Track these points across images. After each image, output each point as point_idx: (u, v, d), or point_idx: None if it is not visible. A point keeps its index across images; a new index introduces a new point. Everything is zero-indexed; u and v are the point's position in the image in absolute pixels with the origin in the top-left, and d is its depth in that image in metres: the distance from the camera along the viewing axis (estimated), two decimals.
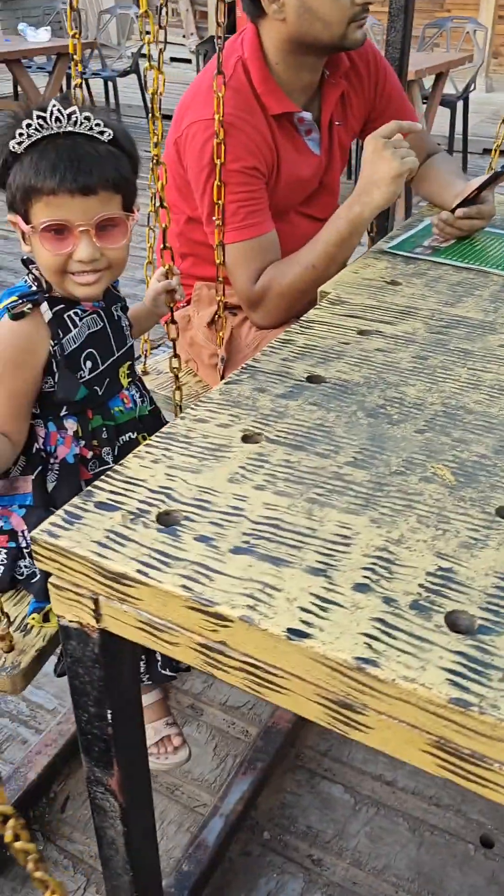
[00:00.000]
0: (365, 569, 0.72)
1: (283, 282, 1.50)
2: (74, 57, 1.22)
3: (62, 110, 1.02)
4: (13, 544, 1.17)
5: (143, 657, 1.29)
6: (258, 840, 1.42)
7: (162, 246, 1.33)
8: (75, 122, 1.03)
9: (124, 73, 6.19)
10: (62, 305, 1.12)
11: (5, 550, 1.17)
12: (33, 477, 1.15)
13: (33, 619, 1.13)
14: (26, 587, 1.18)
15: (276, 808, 1.47)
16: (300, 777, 1.52)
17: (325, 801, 1.48)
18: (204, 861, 1.32)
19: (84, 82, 6.29)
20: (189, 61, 8.71)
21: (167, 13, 1.44)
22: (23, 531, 1.17)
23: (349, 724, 0.66)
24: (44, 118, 1.01)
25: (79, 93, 1.24)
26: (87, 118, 1.03)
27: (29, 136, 1.02)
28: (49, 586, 0.79)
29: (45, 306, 1.10)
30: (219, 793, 1.46)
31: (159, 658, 1.25)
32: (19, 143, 1.02)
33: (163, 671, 1.25)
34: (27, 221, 1.05)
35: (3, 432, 1.10)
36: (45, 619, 1.13)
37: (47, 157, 1.01)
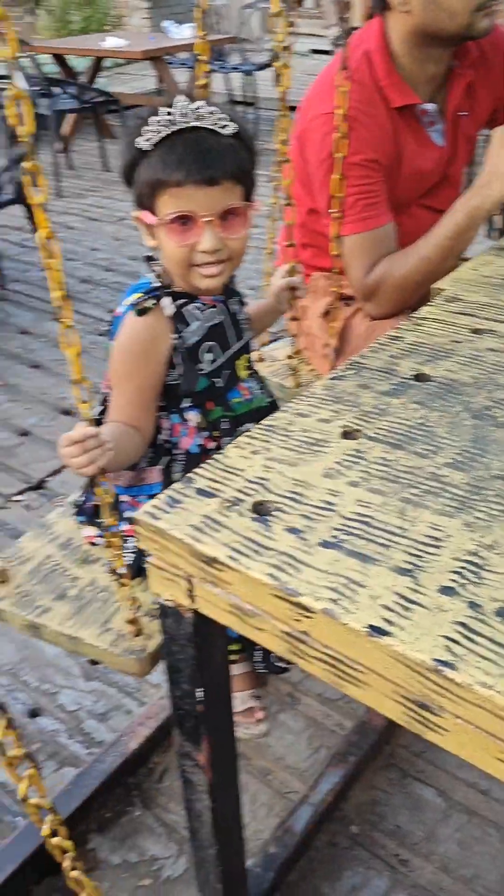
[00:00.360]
0: (453, 572, 0.71)
1: (397, 273, 1.49)
2: (200, 56, 1.26)
3: (188, 105, 1.06)
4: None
5: (257, 646, 1.33)
6: (346, 833, 1.43)
7: (287, 243, 1.35)
8: (200, 117, 1.06)
9: (262, 67, 6.24)
10: (183, 300, 1.17)
11: (134, 539, 1.23)
12: (161, 467, 1.20)
13: None
14: None
15: (366, 803, 1.48)
16: (393, 776, 1.52)
17: (416, 803, 1.47)
18: (290, 846, 1.34)
19: (224, 76, 6.39)
20: (329, 52, 8.65)
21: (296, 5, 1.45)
22: None
23: (426, 724, 0.66)
24: (171, 114, 1.05)
25: (200, 92, 1.28)
26: (212, 112, 1.07)
27: (157, 132, 1.06)
28: (149, 565, 0.83)
29: (166, 301, 1.15)
30: (310, 782, 1.48)
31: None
32: (147, 140, 1.07)
33: (276, 663, 1.28)
34: (154, 214, 1.10)
35: (134, 426, 1.15)
36: None
37: (174, 150, 1.05)
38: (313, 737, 1.60)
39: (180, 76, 6.50)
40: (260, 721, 1.51)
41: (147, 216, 1.11)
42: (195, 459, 1.21)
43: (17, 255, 4.25)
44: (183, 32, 5.87)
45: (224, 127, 1.08)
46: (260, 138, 6.15)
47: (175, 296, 1.16)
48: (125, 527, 1.23)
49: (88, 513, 1.30)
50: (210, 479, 0.85)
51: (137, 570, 1.23)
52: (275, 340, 1.98)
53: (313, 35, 9.58)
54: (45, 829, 0.73)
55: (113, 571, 1.17)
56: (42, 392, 2.96)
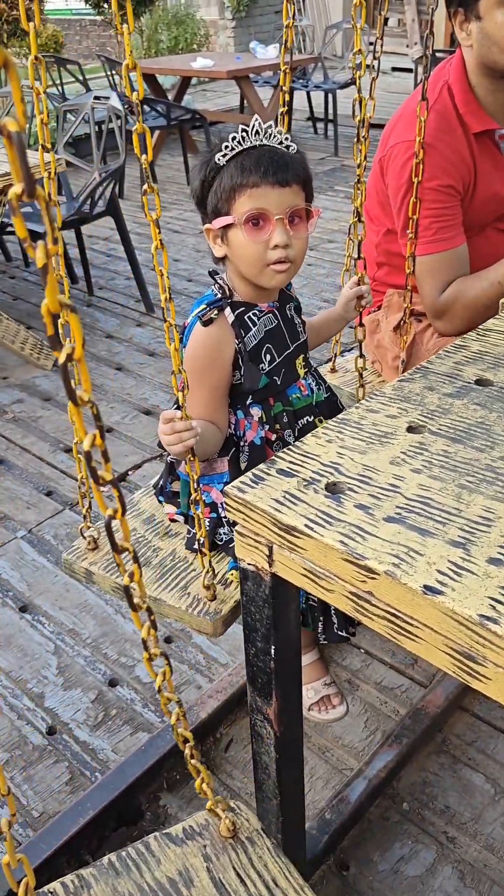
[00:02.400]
0: (501, 546, 0.82)
1: (468, 295, 1.59)
2: (283, 88, 1.41)
3: (262, 125, 1.23)
4: (214, 515, 1.38)
5: (320, 618, 1.46)
6: (397, 809, 1.53)
7: (356, 256, 1.48)
8: (270, 135, 1.23)
9: (344, 86, 6.39)
10: (242, 308, 1.31)
11: (208, 520, 1.37)
12: (228, 458, 1.34)
13: (232, 574, 1.33)
14: (225, 550, 1.38)
15: (417, 783, 1.57)
16: (444, 760, 1.61)
17: (466, 787, 1.55)
18: (345, 814, 1.45)
19: (306, 95, 6.54)
20: (410, 70, 8.74)
21: (380, 31, 1.58)
22: (222, 503, 1.37)
23: (471, 673, 0.77)
24: (247, 131, 1.22)
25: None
26: (279, 132, 1.24)
27: (233, 148, 1.22)
28: (235, 533, 0.96)
29: (228, 311, 1.30)
30: (365, 759, 1.58)
31: (335, 620, 1.41)
32: (224, 156, 1.22)
33: (339, 632, 1.41)
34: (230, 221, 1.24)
35: (212, 421, 1.30)
36: None
37: (250, 158, 1.21)
38: (370, 720, 1.70)
39: (264, 94, 6.70)
40: (336, 706, 1.67)
41: (222, 220, 1.24)
42: (258, 450, 1.34)
43: (104, 265, 4.49)
44: (268, 53, 6.06)
45: (289, 147, 1.24)
46: (339, 154, 6.29)
47: (236, 305, 1.31)
48: (199, 509, 1.38)
49: (168, 495, 1.46)
50: (290, 462, 0.98)
51: (211, 545, 1.37)
52: (347, 352, 2.10)
53: (395, 53, 9.69)
54: (172, 719, 0.88)
55: (193, 543, 1.32)
56: (125, 392, 3.14)
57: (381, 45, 1.64)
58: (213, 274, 1.35)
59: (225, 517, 1.37)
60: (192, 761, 0.91)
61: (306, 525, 0.87)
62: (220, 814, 0.94)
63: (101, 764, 1.67)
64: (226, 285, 1.32)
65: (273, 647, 1.02)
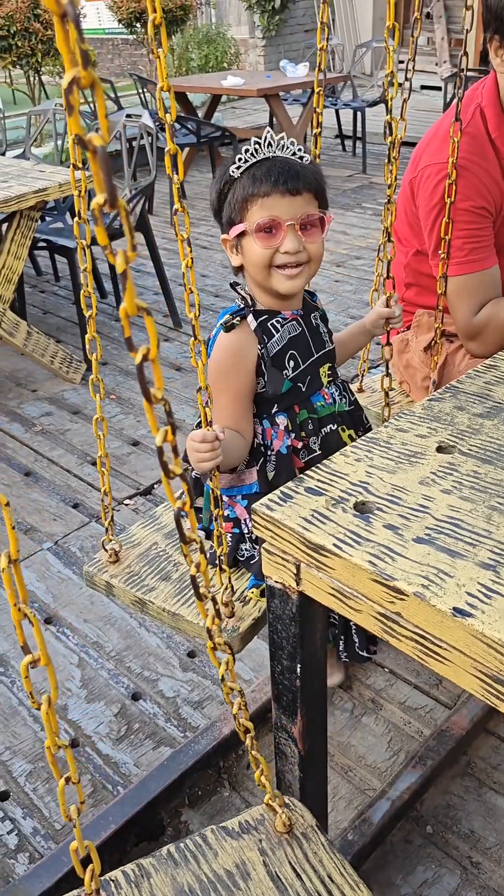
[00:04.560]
0: None
1: (502, 317, 1.59)
2: (316, 109, 1.42)
3: (274, 137, 1.26)
4: (237, 530, 1.38)
5: (342, 637, 1.45)
6: (420, 832, 1.51)
7: (386, 276, 1.49)
8: (282, 147, 1.26)
9: (373, 104, 6.42)
10: (265, 316, 1.33)
11: (230, 535, 1.38)
12: (257, 468, 1.34)
13: (252, 592, 1.34)
14: (246, 566, 1.38)
15: (441, 806, 1.55)
16: (468, 783, 1.59)
17: (491, 811, 1.53)
18: (367, 835, 1.44)
19: (335, 113, 6.59)
20: (439, 88, 8.76)
21: (412, 52, 1.60)
22: (245, 519, 1.38)
23: (499, 696, 0.77)
24: (259, 143, 1.25)
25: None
26: (292, 143, 1.27)
27: (246, 160, 1.25)
28: (262, 551, 0.97)
29: (251, 318, 1.32)
30: (388, 780, 1.57)
31: (357, 640, 1.40)
32: (238, 168, 1.25)
33: (360, 652, 1.40)
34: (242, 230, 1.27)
35: (236, 430, 1.31)
36: (262, 594, 1.33)
37: (262, 169, 1.24)
38: (393, 740, 1.69)
39: (293, 111, 6.76)
40: (336, 671, 1.70)
41: (236, 228, 1.27)
42: (285, 459, 1.35)
43: (132, 279, 4.53)
44: (298, 71, 6.11)
45: (302, 158, 1.27)
46: (367, 172, 6.32)
47: (258, 313, 1.33)
48: (222, 524, 1.39)
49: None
50: (318, 480, 0.99)
51: (233, 561, 1.38)
52: (374, 368, 2.10)
53: (424, 71, 9.72)
54: (234, 709, 0.89)
55: (212, 559, 1.33)
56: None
57: (413, 66, 1.65)
58: (234, 285, 1.36)
59: (248, 533, 1.38)
60: (253, 752, 0.92)
61: (335, 544, 0.87)
62: (276, 808, 0.95)
63: (124, 778, 1.67)
64: (247, 295, 1.34)
65: (299, 665, 1.02)
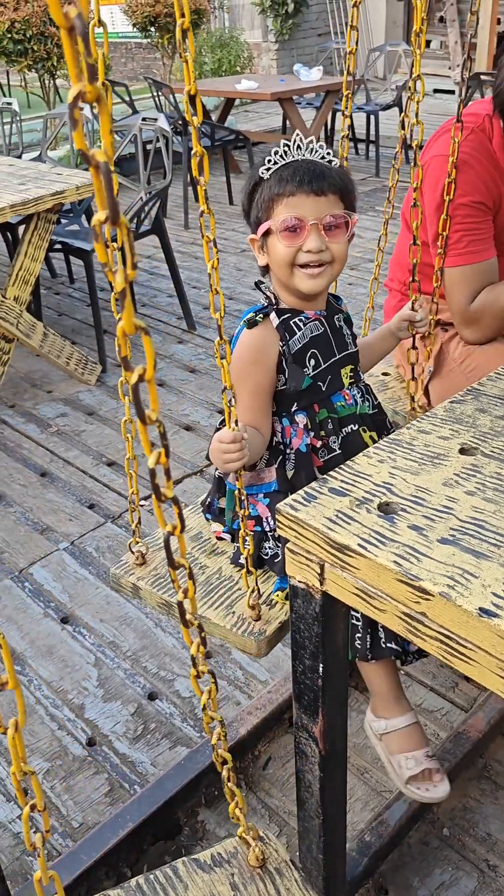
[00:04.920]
0: None
1: (499, 303, 1.61)
2: (345, 112, 1.43)
3: (303, 140, 1.28)
4: (259, 528, 1.39)
5: (368, 635, 1.38)
6: (437, 834, 1.51)
7: (411, 279, 1.49)
8: (311, 150, 1.28)
9: (387, 107, 6.43)
10: (288, 314, 1.34)
11: (251, 534, 1.39)
12: (276, 466, 1.35)
13: (278, 596, 1.34)
14: (271, 567, 1.38)
15: (458, 809, 1.55)
16: (485, 787, 1.59)
17: None
18: (384, 837, 1.44)
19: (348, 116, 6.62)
20: (452, 92, 8.76)
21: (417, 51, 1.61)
22: (266, 517, 1.38)
23: None
24: (288, 146, 1.27)
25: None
26: (321, 146, 1.29)
27: (275, 162, 1.27)
28: (286, 551, 0.97)
29: (273, 315, 1.33)
30: None
31: (382, 634, 1.35)
32: (267, 169, 1.27)
33: (388, 644, 1.32)
34: (268, 228, 1.29)
35: (256, 427, 1.32)
36: (287, 598, 1.33)
37: (288, 170, 1.26)
38: None
39: (306, 115, 6.77)
40: (437, 784, 1.34)
41: (262, 227, 1.29)
42: (304, 457, 1.35)
43: (147, 282, 4.56)
44: (311, 75, 6.13)
45: (330, 162, 1.28)
46: (380, 175, 6.32)
47: (281, 311, 1.34)
48: (244, 527, 1.39)
49: (215, 512, 1.47)
50: (342, 481, 0.99)
51: (258, 560, 1.38)
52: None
53: (437, 75, 9.73)
54: (213, 738, 0.89)
55: (235, 559, 1.33)
56: (166, 408, 3.18)
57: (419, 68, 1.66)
58: (258, 285, 1.38)
59: (270, 531, 1.38)
60: (229, 784, 0.91)
61: (360, 544, 0.88)
62: (250, 842, 0.94)
63: (140, 777, 1.68)
64: (271, 294, 1.35)
65: (321, 664, 1.03)
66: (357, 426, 1.40)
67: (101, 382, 3.41)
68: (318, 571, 0.94)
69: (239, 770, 1.67)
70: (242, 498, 1.25)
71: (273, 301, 1.35)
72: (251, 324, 1.32)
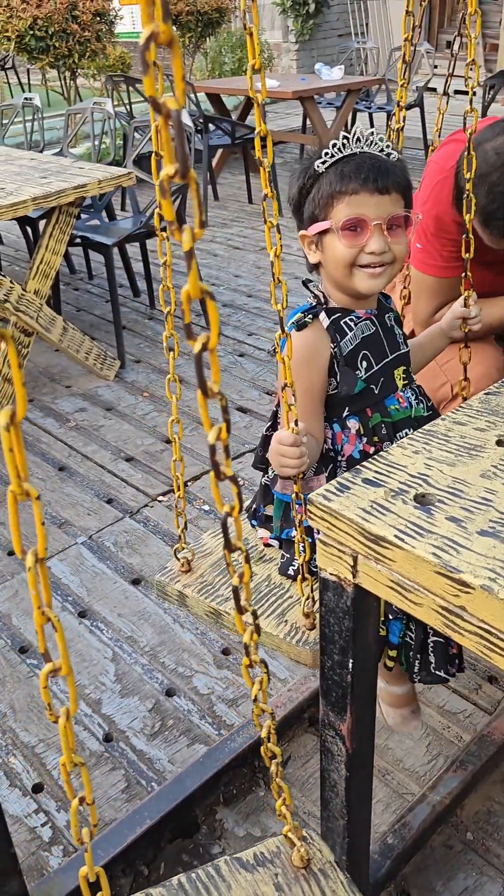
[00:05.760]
0: None
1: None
2: (400, 104, 1.40)
3: (363, 132, 1.22)
4: (311, 539, 1.35)
5: (418, 656, 1.34)
6: (461, 838, 1.48)
7: (464, 274, 1.46)
8: (370, 143, 1.22)
9: (408, 108, 6.38)
10: (338, 314, 1.29)
11: (303, 546, 1.34)
12: (326, 474, 1.31)
13: None
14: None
15: (482, 813, 1.52)
16: None
17: None
18: (407, 839, 1.41)
19: (369, 116, 6.57)
20: (474, 93, 8.70)
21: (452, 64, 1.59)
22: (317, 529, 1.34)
23: None
24: (347, 139, 1.21)
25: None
26: (381, 139, 1.23)
27: (332, 155, 1.21)
28: (318, 542, 0.95)
29: (323, 315, 1.28)
30: (426, 785, 1.54)
31: (433, 660, 1.32)
32: (323, 163, 1.21)
33: (437, 672, 1.31)
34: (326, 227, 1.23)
35: (309, 432, 1.26)
36: None
37: (350, 165, 1.20)
38: (432, 744, 1.66)
39: (327, 115, 6.74)
40: (411, 722, 1.59)
41: (319, 225, 1.23)
42: (357, 464, 1.30)
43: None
44: (333, 74, 6.10)
45: (389, 155, 1.23)
46: (401, 157, 6.29)
47: (331, 311, 1.29)
48: (294, 533, 1.33)
49: (261, 519, 1.43)
50: (376, 472, 0.96)
51: (309, 570, 1.34)
52: None
53: (457, 76, 9.65)
54: (263, 732, 0.86)
55: (287, 568, 1.29)
56: (185, 405, 3.16)
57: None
58: (306, 283, 1.33)
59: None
60: (277, 779, 0.89)
61: (396, 535, 0.85)
62: (295, 842, 0.91)
63: (158, 774, 1.65)
64: (320, 293, 1.30)
65: (351, 660, 1.00)
66: (412, 430, 1.36)
67: (120, 378, 3.39)
68: (351, 564, 0.92)
69: (258, 769, 1.64)
70: (298, 503, 1.21)
71: (322, 300, 1.30)
72: (300, 326, 1.26)
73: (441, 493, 0.91)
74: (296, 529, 1.24)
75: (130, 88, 6.04)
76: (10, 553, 2.33)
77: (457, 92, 9.84)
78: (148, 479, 2.65)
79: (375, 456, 0.99)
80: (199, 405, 0.58)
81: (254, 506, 1.45)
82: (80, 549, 2.34)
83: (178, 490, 1.40)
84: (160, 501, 2.53)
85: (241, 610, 0.76)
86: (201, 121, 5.43)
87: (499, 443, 1.00)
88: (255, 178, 6.33)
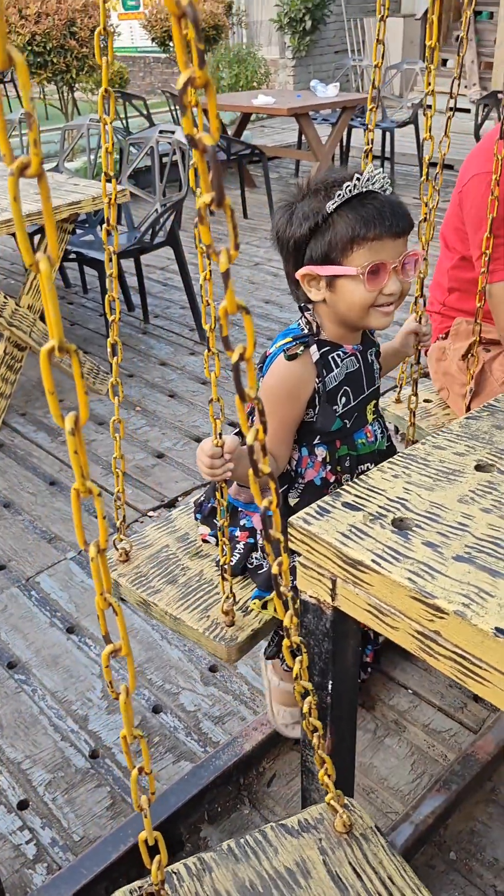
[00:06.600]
0: None
1: None
2: (369, 127, 1.42)
3: (372, 172, 1.21)
4: (251, 540, 1.38)
5: None
6: (444, 857, 1.48)
7: (419, 293, 1.49)
8: (373, 182, 1.21)
9: (403, 125, 6.45)
10: (328, 348, 1.30)
11: (243, 544, 1.38)
12: (280, 491, 1.34)
13: (254, 603, 1.33)
14: (252, 576, 1.38)
15: (465, 832, 1.52)
16: (493, 810, 1.56)
17: None
18: None
19: (364, 132, 6.65)
20: (468, 111, 8.79)
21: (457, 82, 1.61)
22: (261, 529, 1.37)
23: None
24: (359, 179, 1.19)
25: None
26: (383, 177, 1.23)
27: (342, 195, 1.19)
28: (297, 565, 0.96)
29: (314, 348, 1.29)
30: (410, 804, 1.55)
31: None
32: (333, 203, 1.20)
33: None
34: (341, 267, 1.22)
35: (272, 454, 1.29)
36: (264, 606, 1.33)
37: (367, 209, 1.19)
38: (416, 763, 1.66)
39: (322, 131, 6.80)
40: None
41: (338, 269, 1.21)
42: (316, 490, 1.34)
43: (160, 293, 4.57)
44: (328, 92, 6.15)
45: (387, 190, 1.24)
46: (395, 191, 6.35)
47: (322, 343, 1.30)
48: (238, 532, 1.40)
49: (205, 512, 1.47)
50: (355, 496, 0.98)
51: (242, 569, 1.38)
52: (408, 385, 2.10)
53: (442, 92, 9.76)
54: (304, 707, 0.89)
55: (220, 567, 1.33)
56: (177, 419, 3.17)
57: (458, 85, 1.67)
58: (303, 309, 1.33)
59: (262, 545, 1.37)
60: (319, 751, 0.92)
61: (373, 560, 0.86)
62: (337, 808, 0.94)
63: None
64: (314, 322, 1.31)
65: (330, 682, 1.01)
66: (373, 464, 1.39)
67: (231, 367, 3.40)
68: (330, 587, 0.93)
69: (242, 787, 1.64)
70: (223, 507, 1.25)
71: (314, 330, 1.30)
72: (291, 355, 1.27)
73: (419, 517, 0.93)
74: (239, 530, 1.26)
75: (127, 104, 6.08)
76: (2, 567, 2.33)
77: (450, 109, 9.89)
78: (138, 493, 2.66)
79: (355, 481, 1.01)
80: (238, 409, 0.65)
81: (201, 500, 1.49)
82: (70, 565, 2.34)
83: (118, 486, 1.43)
84: (150, 517, 2.54)
85: (280, 595, 0.80)
86: None
87: (478, 468, 1.02)
88: (250, 193, 6.38)
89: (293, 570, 1.34)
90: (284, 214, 1.25)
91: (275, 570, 0.78)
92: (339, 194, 1.18)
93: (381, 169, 1.22)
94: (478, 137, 7.10)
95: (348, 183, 1.18)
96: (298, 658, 0.86)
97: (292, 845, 0.92)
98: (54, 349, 0.57)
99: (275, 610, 1.30)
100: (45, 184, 0.51)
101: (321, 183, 1.22)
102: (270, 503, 0.72)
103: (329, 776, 0.93)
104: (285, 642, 0.85)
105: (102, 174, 1.29)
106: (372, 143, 1.47)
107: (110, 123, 1.26)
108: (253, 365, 0.64)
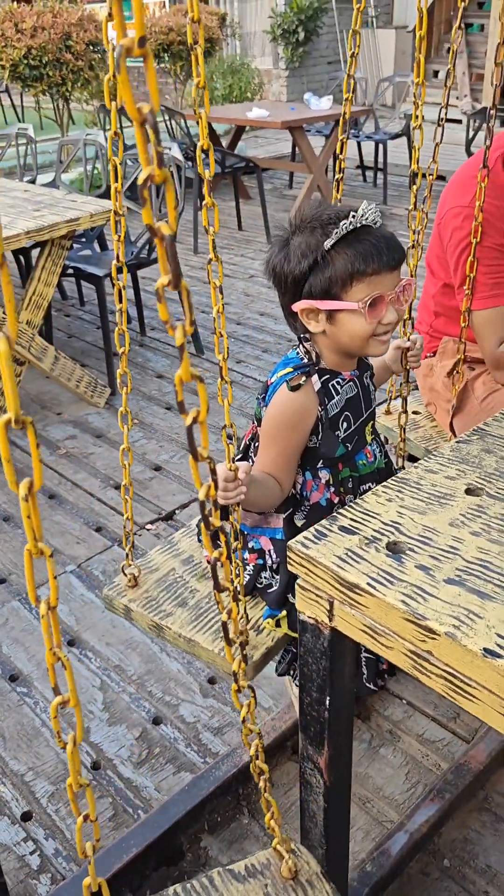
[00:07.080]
0: None
1: None
2: (341, 138, 1.47)
3: (367, 208, 1.25)
4: (261, 561, 1.42)
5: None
6: (438, 865, 1.53)
7: (407, 316, 1.54)
8: (366, 217, 1.25)
9: (395, 136, 6.52)
10: (328, 376, 1.35)
11: (252, 566, 1.42)
12: (285, 516, 1.38)
13: (267, 623, 1.37)
14: (263, 595, 1.42)
15: (458, 840, 1.57)
16: (486, 818, 1.60)
17: None
18: (385, 867, 1.45)
19: (357, 145, 6.68)
20: (459, 121, 8.89)
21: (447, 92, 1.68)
22: (269, 550, 1.42)
23: None
24: (354, 215, 1.23)
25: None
26: (375, 212, 1.26)
27: (338, 233, 1.23)
28: (296, 587, 1.01)
29: (315, 378, 1.34)
30: (405, 813, 1.59)
31: (365, 673, 1.43)
32: (332, 241, 1.23)
33: (367, 684, 1.43)
34: (339, 301, 1.26)
35: (277, 479, 1.34)
36: (277, 624, 1.37)
37: (364, 245, 1.23)
38: (411, 772, 1.71)
39: (315, 143, 6.87)
40: None
41: (339, 304, 1.26)
42: (321, 510, 1.38)
43: (156, 305, 4.61)
44: (321, 104, 6.22)
45: (378, 223, 1.28)
46: (388, 203, 6.41)
47: (322, 372, 1.34)
48: (247, 555, 1.44)
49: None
50: (351, 520, 1.02)
51: (251, 589, 1.42)
52: (398, 398, 2.16)
53: (432, 103, 9.86)
54: (252, 750, 0.92)
55: (227, 589, 1.37)
56: (173, 432, 3.22)
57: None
58: (302, 339, 1.36)
59: (272, 564, 1.41)
60: (265, 794, 0.95)
61: (369, 583, 0.91)
62: (283, 854, 0.97)
63: (144, 802, 1.69)
64: (313, 351, 1.35)
65: (328, 698, 1.05)
66: (375, 484, 1.44)
67: (110, 405, 3.45)
68: (328, 608, 0.97)
69: (242, 797, 1.68)
70: (236, 530, 1.28)
71: (314, 359, 1.34)
72: (294, 387, 1.31)
73: (412, 541, 0.97)
74: (248, 552, 1.30)
75: (123, 117, 6.13)
76: (2, 581, 2.37)
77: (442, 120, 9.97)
78: (135, 506, 2.70)
79: (351, 504, 1.05)
80: (192, 467, 0.69)
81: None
82: (70, 578, 2.38)
83: (128, 512, 1.46)
84: (148, 530, 2.58)
85: (229, 642, 0.83)
86: (191, 149, 5.53)
87: (468, 491, 1.07)
88: (245, 204, 6.44)
89: (268, 590, 1.40)
90: (281, 251, 1.29)
91: (224, 617, 0.81)
92: (336, 232, 1.22)
93: (373, 204, 1.26)
94: (469, 151, 7.18)
95: (344, 221, 1.22)
96: (247, 702, 0.90)
97: (238, 891, 0.95)
98: (10, 421, 0.61)
99: (288, 627, 1.35)
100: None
101: (315, 220, 1.26)
102: (220, 555, 0.76)
103: (275, 820, 0.97)
104: (233, 686, 0.89)
105: (112, 199, 1.34)
106: (344, 153, 1.53)
107: (121, 139, 1.30)
108: (206, 427, 0.67)
